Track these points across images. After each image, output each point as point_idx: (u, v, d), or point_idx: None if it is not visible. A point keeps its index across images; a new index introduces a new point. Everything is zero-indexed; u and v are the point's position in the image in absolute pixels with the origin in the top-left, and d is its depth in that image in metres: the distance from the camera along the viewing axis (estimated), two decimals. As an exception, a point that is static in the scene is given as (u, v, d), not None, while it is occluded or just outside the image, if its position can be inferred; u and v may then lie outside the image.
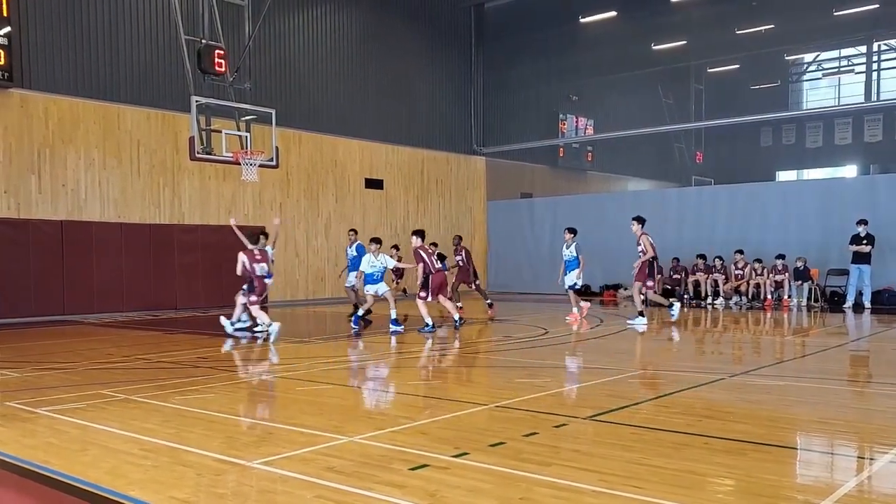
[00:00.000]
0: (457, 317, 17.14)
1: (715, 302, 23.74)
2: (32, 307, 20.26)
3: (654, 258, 17.63)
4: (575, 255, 18.49)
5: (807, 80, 51.19)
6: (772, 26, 38.13)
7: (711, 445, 6.51)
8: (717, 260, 24.22)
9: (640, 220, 17.70)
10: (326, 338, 16.50)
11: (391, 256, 18.66)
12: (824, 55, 49.75)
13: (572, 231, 18.67)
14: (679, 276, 25.45)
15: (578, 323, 18.26)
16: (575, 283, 18.73)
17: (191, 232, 22.82)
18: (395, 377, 11.25)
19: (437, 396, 8.96)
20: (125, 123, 22.10)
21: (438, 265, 16.69)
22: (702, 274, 24.43)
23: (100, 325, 19.12)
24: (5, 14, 19.40)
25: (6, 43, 19.43)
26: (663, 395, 8.84)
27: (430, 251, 16.69)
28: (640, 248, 17.49)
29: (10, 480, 6.02)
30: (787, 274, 22.80)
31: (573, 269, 18.57)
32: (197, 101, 18.68)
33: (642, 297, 17.84)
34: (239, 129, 20.05)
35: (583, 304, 19.08)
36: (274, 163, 20.34)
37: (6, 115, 19.95)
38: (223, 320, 16.33)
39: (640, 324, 17.01)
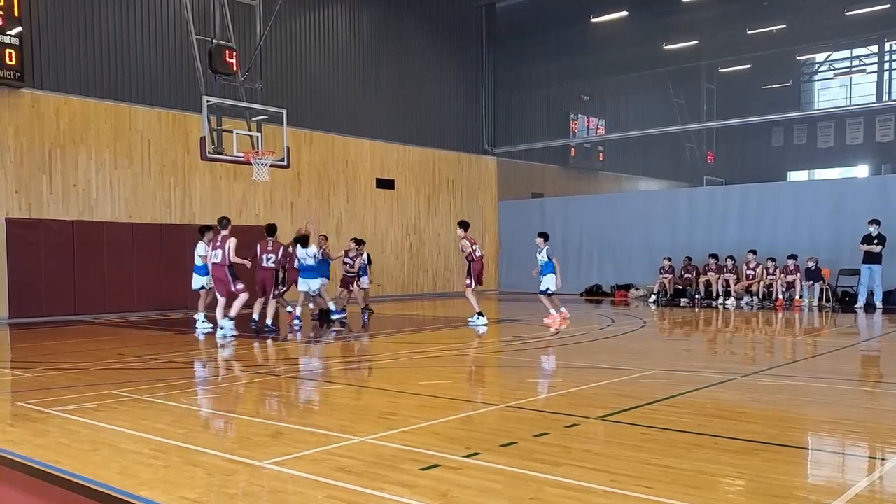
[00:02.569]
0: (269, 321, 16.50)
1: (726, 302, 23.68)
2: (44, 307, 20.32)
3: (472, 260, 18.04)
4: (548, 259, 18.48)
5: (818, 80, 51.07)
6: (783, 26, 37.99)
7: (722, 446, 6.49)
8: (728, 260, 24.16)
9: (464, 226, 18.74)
10: (337, 337, 16.50)
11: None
12: (836, 55, 49.61)
13: (543, 236, 18.77)
14: (690, 276, 25.41)
15: (558, 324, 18.06)
16: (548, 288, 18.56)
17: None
18: (404, 377, 11.24)
19: (449, 396, 8.96)
20: (136, 123, 22.16)
21: (268, 263, 16.07)
22: (713, 274, 24.37)
23: (111, 325, 19.17)
24: (16, 14, 19.47)
25: (17, 43, 19.49)
26: (674, 395, 8.82)
27: (268, 248, 16.00)
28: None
29: (22, 480, 6.04)
30: (798, 274, 22.73)
31: (547, 274, 18.47)
32: (208, 101, 18.72)
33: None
34: (250, 129, 20.09)
35: (557, 311, 18.69)
36: (285, 163, 20.38)
37: (17, 115, 20.03)
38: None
39: (481, 324, 17.64)
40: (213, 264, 15.70)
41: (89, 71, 21.38)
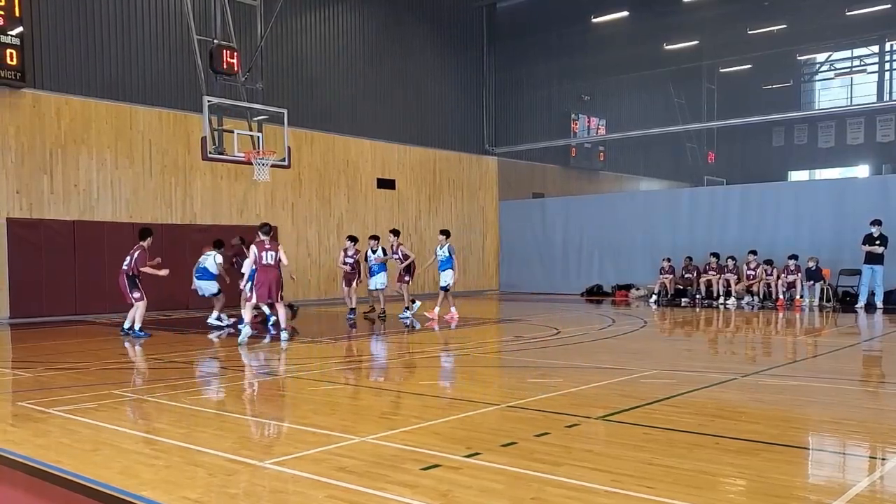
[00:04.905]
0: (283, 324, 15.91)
1: (727, 302, 23.67)
2: (44, 307, 20.33)
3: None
4: (448, 255, 19.23)
5: (819, 80, 51.06)
6: (784, 26, 37.98)
7: (723, 445, 6.50)
8: (729, 260, 24.16)
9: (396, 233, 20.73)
10: (338, 338, 16.50)
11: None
12: (837, 55, 49.61)
13: (445, 233, 19.71)
14: (691, 276, 25.40)
15: (438, 321, 18.85)
16: (447, 284, 19.24)
17: (203, 232, 22.81)
18: (406, 377, 11.25)
19: (449, 396, 8.96)
20: (137, 123, 22.16)
21: (269, 261, 15.19)
22: (714, 273, 24.36)
23: (112, 325, 19.15)
24: (17, 14, 19.46)
25: (18, 43, 19.49)
26: (675, 395, 8.83)
27: (266, 246, 15.19)
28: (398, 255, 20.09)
29: (23, 480, 6.04)
30: (799, 274, 22.72)
31: (446, 269, 19.27)
32: (209, 101, 18.72)
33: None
34: (251, 129, 20.09)
35: (453, 309, 19.57)
36: (286, 163, 20.38)
37: (18, 115, 20.03)
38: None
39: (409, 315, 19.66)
40: (268, 265, 15.12)
41: (90, 71, 21.38)
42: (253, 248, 15.25)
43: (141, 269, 16.13)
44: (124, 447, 6.75)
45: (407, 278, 20.01)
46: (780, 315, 20.54)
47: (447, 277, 19.20)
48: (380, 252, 20.05)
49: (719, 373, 10.62)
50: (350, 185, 27.65)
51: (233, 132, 19.40)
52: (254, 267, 15.20)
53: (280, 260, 15.21)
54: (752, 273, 23.65)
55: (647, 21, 36.37)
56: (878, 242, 21.31)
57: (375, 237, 20.55)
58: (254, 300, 15.35)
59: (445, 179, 31.37)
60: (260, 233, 15.49)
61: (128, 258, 16.28)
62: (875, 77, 46.66)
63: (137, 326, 16.05)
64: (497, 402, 8.66)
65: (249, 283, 15.52)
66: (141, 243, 16.43)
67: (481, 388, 9.96)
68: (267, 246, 15.16)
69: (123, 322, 16.61)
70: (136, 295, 16.18)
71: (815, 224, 24.16)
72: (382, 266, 20.13)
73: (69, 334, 17.16)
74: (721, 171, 46.56)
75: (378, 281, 20.07)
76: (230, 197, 24.14)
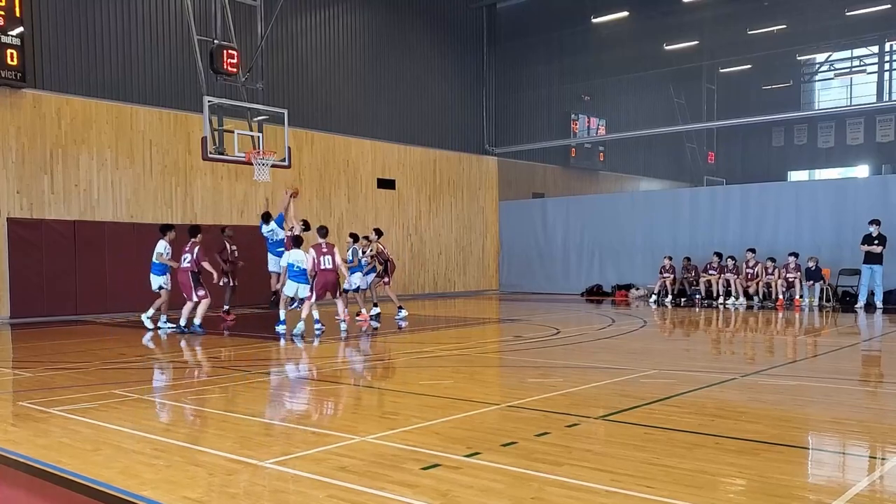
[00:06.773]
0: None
1: (726, 302, 23.68)
2: (45, 307, 20.32)
3: (388, 260, 19.85)
4: (350, 259, 19.25)
5: (819, 81, 50.99)
6: (784, 26, 37.97)
7: (723, 445, 6.50)
8: (729, 259, 24.16)
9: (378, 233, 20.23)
10: (338, 337, 16.50)
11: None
12: (836, 55, 49.54)
13: (353, 237, 19.94)
14: (690, 276, 25.40)
15: (367, 323, 18.80)
16: (351, 286, 19.20)
17: (203, 232, 22.75)
18: (405, 377, 11.24)
19: (449, 396, 8.97)
20: (138, 124, 22.16)
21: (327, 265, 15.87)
22: (714, 272, 24.36)
23: (112, 325, 19.17)
24: (18, 15, 19.47)
25: (19, 43, 19.50)
26: (675, 395, 8.83)
27: (323, 250, 15.88)
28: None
29: (23, 480, 6.05)
30: (798, 274, 22.72)
31: (356, 272, 19.26)
32: (209, 102, 18.72)
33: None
34: (251, 129, 20.08)
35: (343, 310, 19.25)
36: (286, 163, 20.37)
37: (19, 115, 20.03)
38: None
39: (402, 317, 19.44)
40: (326, 270, 15.78)
41: (91, 71, 21.38)
42: (311, 252, 15.84)
43: (202, 263, 16.57)
44: (125, 447, 6.75)
45: (386, 279, 19.86)
46: (780, 315, 20.54)
47: (356, 279, 19.32)
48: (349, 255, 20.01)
49: (719, 373, 10.63)
50: (350, 185, 27.65)
51: (233, 132, 19.40)
52: (314, 272, 15.84)
53: (336, 262, 15.95)
54: (752, 272, 23.64)
55: (647, 21, 36.41)
56: (876, 242, 21.34)
57: (355, 237, 20.37)
58: (314, 299, 15.88)
59: (445, 179, 31.37)
60: (318, 235, 16.23)
61: (186, 255, 16.55)
62: (875, 77, 46.64)
63: (198, 322, 16.53)
64: (497, 402, 8.67)
65: (309, 284, 16.11)
66: (194, 240, 16.83)
67: (481, 388, 9.96)
68: (324, 249, 15.86)
69: (179, 319, 17.00)
70: (201, 292, 16.62)
71: (815, 224, 24.18)
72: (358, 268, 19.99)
73: (69, 334, 17.15)
74: (721, 171, 46.60)
75: (353, 281, 19.89)
76: (231, 197, 24.14)
